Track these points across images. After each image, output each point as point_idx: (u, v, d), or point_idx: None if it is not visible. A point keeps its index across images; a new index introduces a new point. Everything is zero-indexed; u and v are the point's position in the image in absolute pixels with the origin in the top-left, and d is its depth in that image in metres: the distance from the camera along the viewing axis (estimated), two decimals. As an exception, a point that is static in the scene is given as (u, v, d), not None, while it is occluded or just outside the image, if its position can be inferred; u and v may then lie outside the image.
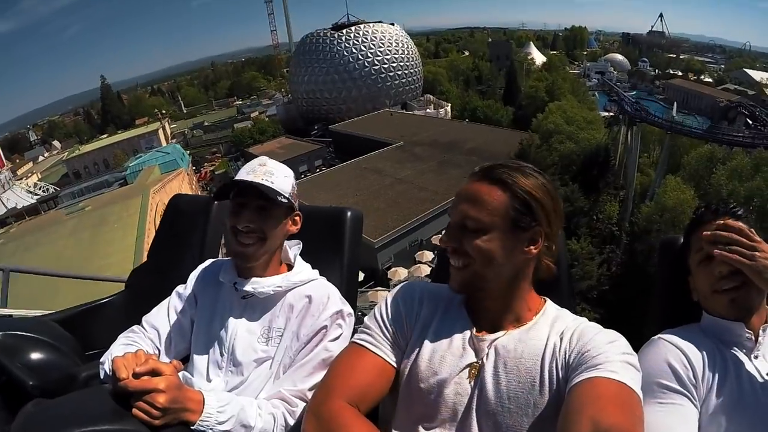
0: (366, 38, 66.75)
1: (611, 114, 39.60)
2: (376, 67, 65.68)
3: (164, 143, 68.35)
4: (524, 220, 1.16)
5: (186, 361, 1.53)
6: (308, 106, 67.79)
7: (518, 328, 1.20)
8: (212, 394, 1.24)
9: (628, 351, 1.07)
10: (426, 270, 24.26)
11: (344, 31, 67.84)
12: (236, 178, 1.50)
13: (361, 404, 1.13)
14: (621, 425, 0.90)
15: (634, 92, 68.97)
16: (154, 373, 1.13)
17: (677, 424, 1.12)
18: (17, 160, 77.41)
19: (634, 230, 23.80)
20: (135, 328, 1.58)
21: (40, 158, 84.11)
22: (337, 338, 1.45)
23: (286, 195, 1.50)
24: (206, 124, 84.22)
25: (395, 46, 67.86)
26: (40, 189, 55.85)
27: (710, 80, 79.81)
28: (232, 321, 1.49)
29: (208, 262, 1.71)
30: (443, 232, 1.26)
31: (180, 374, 1.24)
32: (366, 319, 1.32)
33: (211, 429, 1.19)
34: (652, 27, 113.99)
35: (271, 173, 1.50)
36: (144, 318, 1.60)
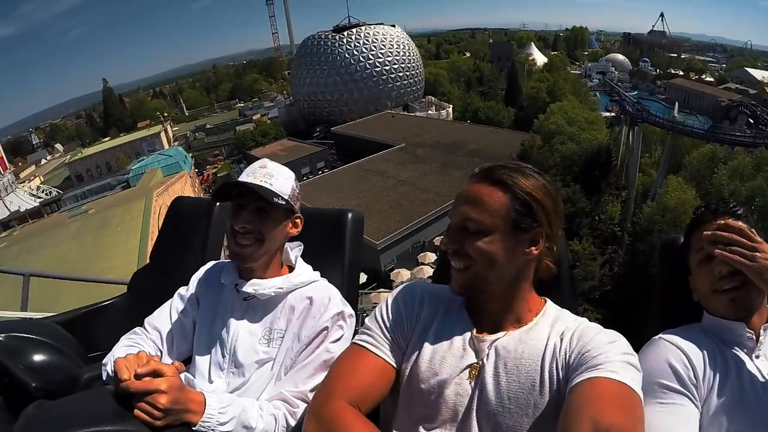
0: (367, 40, 66.78)
1: (613, 114, 39.57)
2: (378, 69, 65.70)
3: (166, 146, 68.51)
4: (525, 221, 1.15)
5: (188, 362, 1.53)
6: (310, 108, 67.85)
7: (518, 328, 1.20)
8: (214, 395, 1.24)
9: (628, 351, 1.07)
10: (429, 271, 24.21)
11: (345, 33, 67.86)
12: (238, 180, 1.50)
13: (361, 405, 1.13)
14: (621, 425, 0.90)
15: (636, 92, 69.04)
16: (156, 374, 1.14)
17: (678, 425, 1.12)
18: (20, 163, 77.58)
19: (636, 230, 23.73)
20: (137, 329, 1.58)
21: (43, 161, 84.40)
22: (338, 339, 1.46)
23: (285, 197, 1.50)
24: (208, 126, 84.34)
25: (396, 48, 67.88)
26: (42, 192, 55.93)
27: (711, 79, 79.79)
28: (233, 322, 1.50)
29: (209, 264, 1.71)
30: (444, 233, 1.25)
31: (182, 375, 1.25)
32: (367, 320, 1.33)
33: (212, 430, 1.19)
34: (653, 27, 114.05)
35: (271, 175, 1.50)
36: (146, 320, 1.61)
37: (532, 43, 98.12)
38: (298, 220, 1.59)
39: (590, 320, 1.22)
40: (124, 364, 1.14)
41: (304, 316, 1.48)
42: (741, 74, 79.57)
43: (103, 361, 1.41)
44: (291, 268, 1.62)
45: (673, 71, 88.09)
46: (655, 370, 1.19)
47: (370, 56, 65.81)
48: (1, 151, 60.11)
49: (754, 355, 1.22)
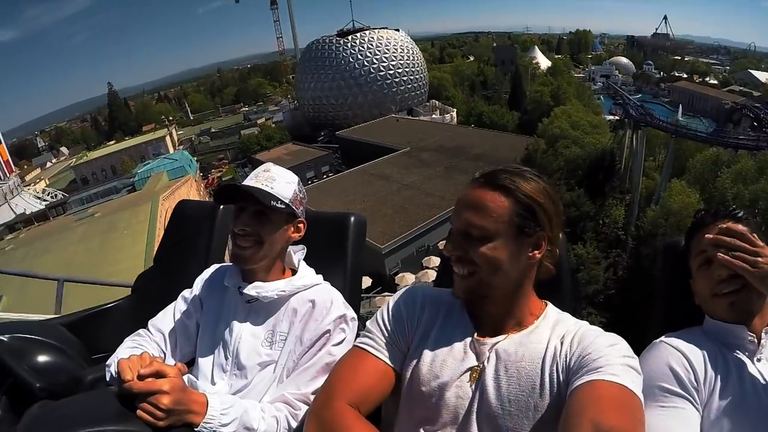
0: (371, 44, 66.95)
1: (616, 118, 39.50)
2: (382, 73, 65.85)
3: (171, 150, 68.80)
4: (528, 225, 1.15)
5: (191, 364, 1.54)
6: (314, 112, 68.06)
7: (519, 332, 1.20)
8: (216, 397, 1.25)
9: (629, 354, 1.07)
10: (433, 275, 24.16)
11: (350, 37, 68.11)
12: (242, 183, 1.52)
13: (362, 406, 1.14)
14: (622, 428, 0.90)
15: (639, 95, 68.96)
16: (159, 375, 1.15)
17: (679, 428, 1.11)
18: (25, 166, 78.05)
19: (640, 234, 23.61)
20: (141, 331, 1.59)
21: (48, 164, 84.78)
22: (340, 342, 1.46)
23: (286, 201, 1.50)
24: (213, 130, 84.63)
25: (400, 52, 68.03)
26: (48, 195, 56.19)
27: (715, 82, 79.62)
28: (236, 325, 1.50)
29: (213, 266, 1.72)
30: (446, 239, 1.25)
31: (185, 377, 1.26)
32: (368, 323, 1.33)
33: (214, 431, 1.20)
34: (657, 29, 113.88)
35: (273, 179, 1.51)
36: (150, 322, 1.61)
37: (536, 47, 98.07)
38: (300, 225, 1.59)
39: (594, 324, 1.21)
40: (127, 365, 1.15)
41: (307, 319, 1.48)
42: (745, 76, 79.44)
43: (107, 363, 1.42)
44: (294, 271, 1.62)
45: (676, 74, 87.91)
46: (656, 373, 1.19)
47: (375, 60, 65.96)
48: (7, 154, 60.45)
49: (755, 358, 1.21)
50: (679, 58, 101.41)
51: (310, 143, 58.91)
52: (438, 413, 1.14)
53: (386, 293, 23.00)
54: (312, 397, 1.35)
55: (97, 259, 23.03)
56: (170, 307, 1.64)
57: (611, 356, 1.04)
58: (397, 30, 72.11)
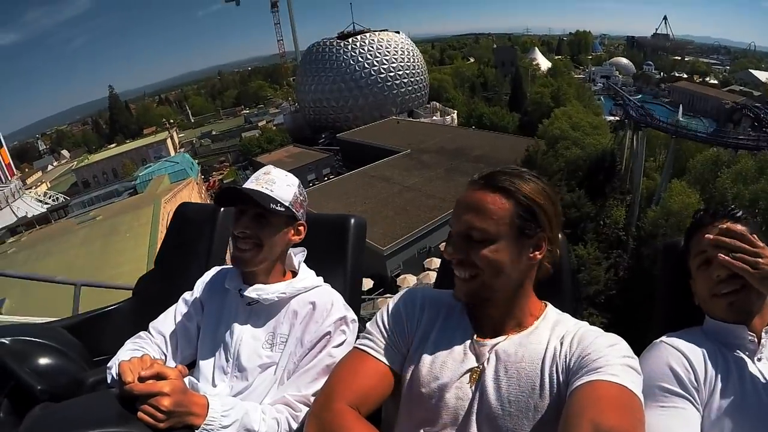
0: (372, 47, 67.04)
1: (617, 118, 39.48)
2: (383, 75, 65.93)
3: (172, 152, 68.88)
4: (529, 226, 1.16)
5: (192, 366, 1.54)
6: (315, 114, 68.11)
7: (519, 333, 1.20)
8: (216, 399, 1.25)
9: (628, 354, 1.07)
10: (435, 277, 24.17)
11: (350, 39, 68.20)
12: (243, 186, 1.52)
13: (361, 407, 1.14)
14: (621, 428, 0.90)
15: (640, 96, 68.96)
16: (159, 377, 1.15)
17: (679, 428, 1.11)
18: (26, 169, 78.07)
19: (641, 234, 23.61)
20: (142, 333, 1.60)
21: (49, 167, 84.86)
22: (340, 344, 1.46)
23: (286, 203, 1.51)
24: (214, 133, 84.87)
25: (401, 54, 68.11)
26: (49, 198, 56.19)
27: (715, 82, 79.62)
28: (237, 327, 1.50)
29: (214, 269, 1.72)
30: (447, 242, 1.24)
31: (186, 379, 1.26)
32: (368, 324, 1.33)
33: None
34: (657, 30, 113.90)
35: (273, 181, 1.51)
36: (151, 324, 1.62)
37: (536, 48, 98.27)
38: (300, 227, 1.59)
39: (595, 324, 1.21)
40: (128, 367, 1.15)
41: (307, 321, 1.48)
42: (745, 76, 79.46)
43: (108, 365, 1.43)
44: (294, 274, 1.62)
45: (676, 74, 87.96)
46: (656, 373, 1.19)
47: (375, 63, 66.04)
48: (9, 157, 60.54)
49: (755, 358, 1.21)
50: (679, 58, 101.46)
51: (311, 146, 58.95)
52: (438, 414, 1.14)
53: (388, 295, 22.98)
54: (312, 399, 1.35)
55: (99, 262, 23.06)
56: (171, 309, 1.65)
57: (611, 356, 1.04)
58: (398, 32, 72.22)
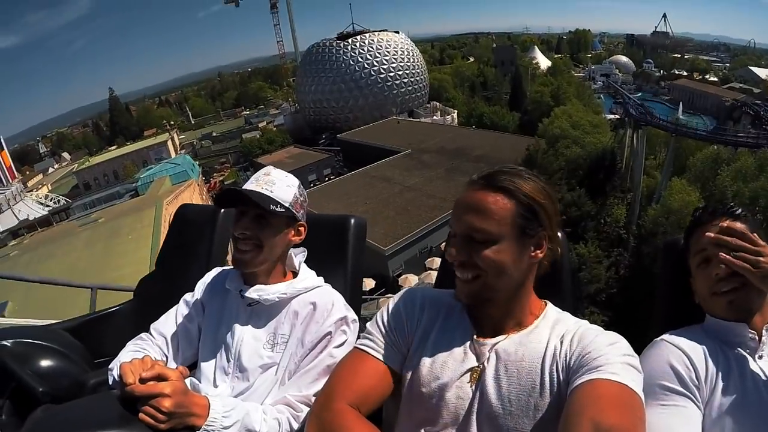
0: (371, 47, 67.10)
1: (617, 116, 39.46)
2: (382, 76, 66.00)
3: (173, 154, 68.98)
4: (531, 226, 1.15)
5: (193, 367, 1.54)
6: (315, 115, 68.20)
7: (519, 332, 1.20)
8: (217, 399, 1.25)
9: (629, 353, 1.07)
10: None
11: (350, 40, 68.29)
12: (243, 187, 1.52)
13: (362, 407, 1.14)
14: (622, 426, 0.90)
15: (640, 94, 69.16)
16: (161, 378, 1.15)
17: (680, 426, 1.11)
18: (27, 172, 78.28)
19: (641, 233, 23.63)
20: (143, 335, 1.60)
21: (50, 170, 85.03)
22: (341, 344, 1.46)
23: (286, 204, 1.50)
24: (214, 134, 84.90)
25: (401, 54, 68.18)
26: (51, 200, 56.34)
27: (715, 79, 79.55)
28: (238, 328, 1.50)
29: (215, 270, 1.72)
30: (447, 243, 1.24)
31: (187, 380, 1.26)
32: (368, 324, 1.33)
33: None
34: (656, 28, 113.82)
35: (273, 183, 1.51)
36: (152, 325, 1.62)
37: (536, 47, 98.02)
38: (301, 228, 1.59)
39: (596, 323, 1.22)
40: (129, 369, 1.15)
41: (308, 321, 1.48)
42: (745, 73, 79.40)
43: (109, 366, 1.42)
44: (295, 274, 1.62)
45: (676, 72, 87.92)
46: (656, 371, 1.18)
47: (375, 63, 66.11)
48: (10, 160, 60.62)
49: (756, 356, 1.21)
50: (679, 55, 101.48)
51: (311, 146, 59.00)
52: (438, 414, 1.15)
53: (389, 295, 22.97)
54: (313, 399, 1.35)
55: (101, 264, 23.07)
56: (172, 310, 1.65)
57: (611, 355, 1.04)
58: (397, 32, 72.31)
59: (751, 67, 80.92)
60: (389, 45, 68.17)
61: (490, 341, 1.19)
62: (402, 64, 67.59)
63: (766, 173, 21.26)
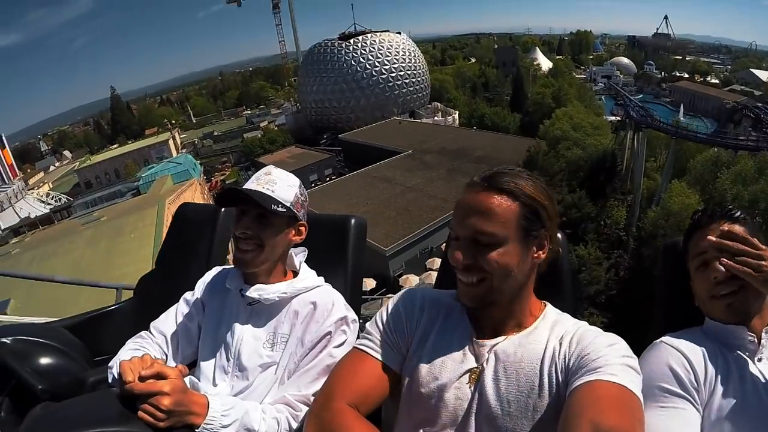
0: (373, 47, 67.15)
1: (618, 118, 39.45)
2: (384, 76, 66.06)
3: (174, 153, 69.04)
4: (534, 227, 1.15)
5: (193, 366, 1.54)
6: (317, 115, 68.25)
7: (518, 333, 1.20)
8: (217, 398, 1.25)
9: (628, 354, 1.07)
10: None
11: (351, 40, 68.37)
12: (244, 186, 1.52)
13: (361, 407, 1.14)
14: (621, 428, 0.90)
15: (641, 95, 69.12)
16: (160, 376, 1.15)
17: (679, 428, 1.10)
18: (28, 170, 78.32)
19: (641, 235, 23.66)
20: (143, 333, 1.60)
21: (51, 168, 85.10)
22: (341, 344, 1.46)
23: (287, 204, 1.50)
24: (216, 133, 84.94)
25: (402, 55, 68.21)
26: (52, 198, 56.39)
27: (717, 81, 79.58)
28: (238, 327, 1.50)
29: (215, 269, 1.72)
30: (450, 247, 1.22)
31: (187, 379, 1.26)
32: (367, 324, 1.33)
33: None
34: (658, 29, 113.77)
35: (274, 182, 1.51)
36: (152, 324, 1.62)
37: (537, 48, 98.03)
38: (302, 228, 1.59)
39: (596, 324, 1.21)
40: (128, 367, 1.16)
41: (308, 321, 1.48)
42: (746, 75, 79.49)
43: (109, 364, 1.42)
44: (295, 273, 1.62)
45: (678, 74, 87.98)
46: (655, 373, 1.18)
47: (377, 63, 66.17)
48: (11, 158, 60.66)
49: (756, 358, 1.21)
50: (680, 57, 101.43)
51: (312, 146, 59.01)
52: (437, 414, 1.15)
53: (390, 295, 22.93)
54: (313, 399, 1.35)
55: (104, 263, 23.04)
56: (172, 309, 1.65)
57: (610, 356, 1.04)
58: (399, 33, 72.41)
59: (753, 70, 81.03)
60: (391, 45, 68.23)
61: (489, 342, 1.18)
62: (403, 64, 67.63)
63: (765, 176, 21.29)
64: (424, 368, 1.20)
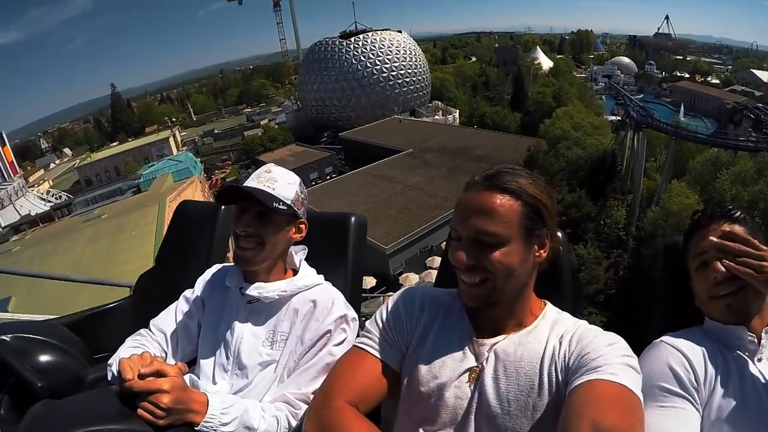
0: (374, 46, 67.14)
1: (618, 118, 39.44)
2: (385, 75, 66.02)
3: (175, 151, 69.03)
4: (536, 226, 1.15)
5: (192, 364, 1.54)
6: (317, 113, 68.23)
7: (518, 332, 1.20)
8: (216, 396, 1.25)
9: (628, 353, 1.07)
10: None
11: (352, 39, 68.34)
12: (243, 184, 1.52)
13: (360, 405, 1.14)
14: (621, 427, 0.89)
15: (641, 95, 69.23)
16: (159, 374, 1.15)
17: (678, 428, 1.11)
18: (28, 167, 78.21)
19: (641, 235, 23.70)
20: (142, 331, 1.60)
21: (51, 165, 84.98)
22: (341, 342, 1.46)
23: (288, 202, 1.50)
24: (216, 131, 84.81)
25: (403, 54, 68.17)
26: (52, 196, 56.35)
27: (717, 82, 79.61)
28: (237, 325, 1.50)
29: (215, 267, 1.72)
30: (452, 247, 1.21)
31: (186, 377, 1.26)
32: (367, 323, 1.33)
33: (214, 430, 1.20)
34: (659, 29, 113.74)
35: (274, 180, 1.51)
36: (151, 321, 1.62)
37: (538, 47, 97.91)
38: (302, 225, 1.59)
39: (595, 323, 1.21)
40: (128, 364, 1.16)
41: (308, 319, 1.48)
42: (746, 76, 79.52)
43: (108, 362, 1.42)
44: (295, 272, 1.62)
45: (678, 74, 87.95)
46: (655, 373, 1.18)
47: (377, 62, 66.15)
48: (12, 155, 60.65)
49: (756, 359, 1.21)
50: (681, 57, 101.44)
51: (313, 144, 58.93)
52: (437, 413, 1.15)
53: (390, 293, 22.97)
54: (312, 397, 1.34)
55: (105, 260, 23.02)
56: (172, 307, 1.65)
57: (610, 355, 1.04)
58: (400, 31, 72.31)
59: (753, 70, 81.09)
60: (391, 44, 68.20)
61: (489, 341, 1.18)
62: (404, 63, 67.61)
63: (765, 177, 21.36)
64: (423, 367, 1.19)
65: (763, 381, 1.16)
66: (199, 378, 1.47)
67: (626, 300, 20.52)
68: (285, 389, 1.41)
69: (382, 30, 71.21)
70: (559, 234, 1.37)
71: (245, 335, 1.49)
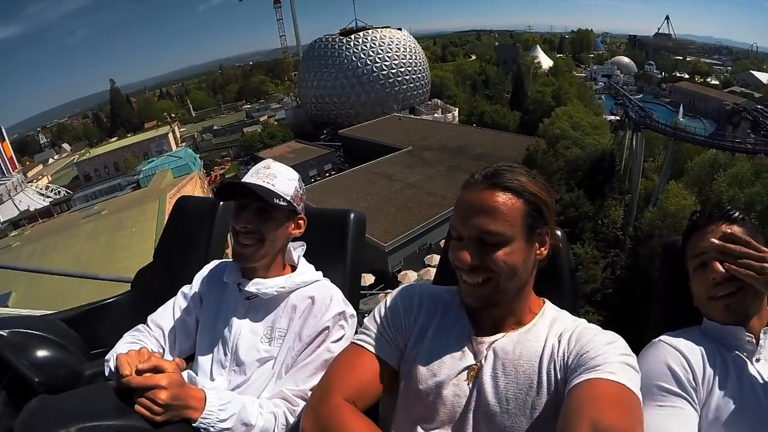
0: (374, 43, 67.10)
1: (617, 118, 39.46)
2: (384, 72, 66.02)
3: (174, 147, 68.98)
4: (538, 224, 1.15)
5: (190, 360, 1.54)
6: (317, 110, 68.22)
7: (517, 330, 1.19)
8: (214, 392, 1.25)
9: (627, 352, 1.07)
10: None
11: (352, 36, 68.36)
12: (241, 180, 1.51)
13: (358, 402, 1.14)
14: (620, 426, 0.89)
15: (641, 95, 69.34)
16: (157, 370, 1.15)
17: (677, 427, 1.11)
18: (27, 163, 78.07)
19: (638, 235, 23.74)
20: (140, 326, 1.60)
21: (50, 161, 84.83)
22: (339, 339, 1.46)
23: (287, 198, 1.50)
24: (215, 127, 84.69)
25: (403, 51, 68.16)
26: (51, 191, 56.23)
27: (717, 82, 79.65)
28: (235, 321, 1.50)
29: (213, 263, 1.71)
30: (452, 247, 1.19)
31: (184, 373, 1.26)
32: (366, 320, 1.33)
33: (212, 426, 1.20)
34: (659, 29, 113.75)
35: (274, 176, 1.50)
36: (149, 317, 1.62)
37: (538, 46, 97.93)
38: (301, 221, 1.59)
39: (592, 322, 1.21)
40: (125, 360, 1.15)
41: (306, 316, 1.48)
42: (746, 77, 79.61)
43: (106, 357, 1.42)
44: (293, 268, 1.61)
45: (678, 74, 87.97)
46: (654, 372, 1.18)
47: (377, 59, 66.14)
48: (11, 150, 60.49)
49: (754, 359, 1.21)
50: (681, 58, 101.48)
51: (312, 141, 58.96)
52: (435, 411, 1.14)
53: (389, 290, 22.91)
54: (310, 394, 1.34)
55: (105, 256, 23.06)
56: (170, 302, 1.64)
57: (609, 354, 1.04)
58: (400, 29, 72.31)
59: (753, 71, 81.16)
60: (391, 42, 68.19)
61: (488, 339, 1.18)
62: (404, 61, 67.60)
63: (762, 179, 21.43)
64: (422, 364, 1.19)
65: (761, 381, 1.16)
66: (196, 374, 1.47)
67: (623, 299, 20.57)
68: (283, 386, 1.41)
69: (383, 27, 71.20)
70: (559, 232, 1.38)
71: (243, 331, 1.48)
